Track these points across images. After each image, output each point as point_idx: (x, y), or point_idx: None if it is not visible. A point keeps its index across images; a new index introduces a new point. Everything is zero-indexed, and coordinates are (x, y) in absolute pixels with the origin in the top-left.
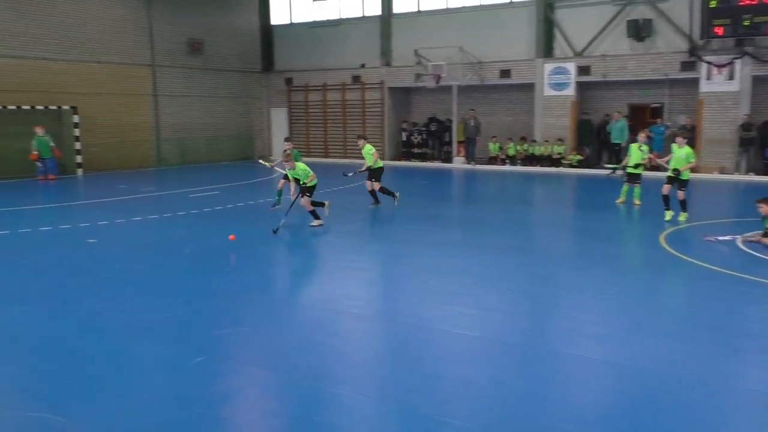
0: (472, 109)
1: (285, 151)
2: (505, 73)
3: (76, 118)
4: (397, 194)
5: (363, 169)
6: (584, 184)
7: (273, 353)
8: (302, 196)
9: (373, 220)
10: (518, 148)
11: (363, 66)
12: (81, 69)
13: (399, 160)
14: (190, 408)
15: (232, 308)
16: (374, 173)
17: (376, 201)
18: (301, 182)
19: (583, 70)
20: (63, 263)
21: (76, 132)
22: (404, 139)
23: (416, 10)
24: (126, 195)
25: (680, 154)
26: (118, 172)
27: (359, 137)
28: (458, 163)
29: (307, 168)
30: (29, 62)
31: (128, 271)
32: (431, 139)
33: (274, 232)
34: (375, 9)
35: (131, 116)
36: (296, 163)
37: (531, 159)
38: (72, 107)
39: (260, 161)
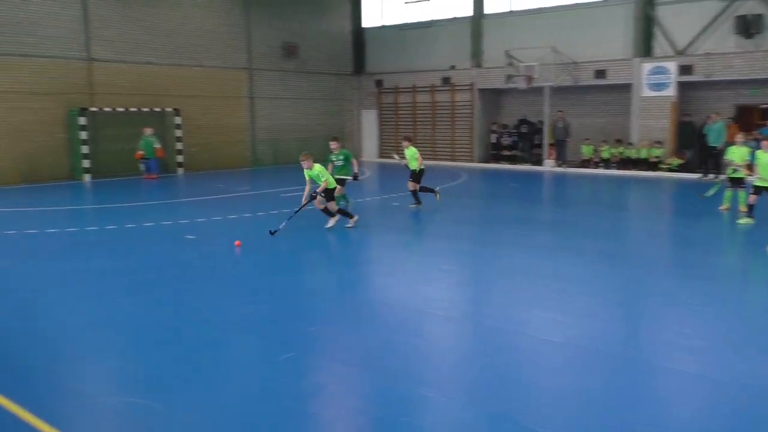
0: (560, 111)
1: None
2: (600, 74)
3: (177, 120)
4: (421, 204)
5: (404, 162)
6: (684, 189)
7: (359, 352)
8: (326, 201)
9: (462, 222)
10: (613, 151)
11: (453, 67)
12: (183, 73)
13: (488, 162)
14: (280, 401)
15: (320, 306)
16: (415, 175)
17: (417, 201)
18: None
19: (685, 69)
20: (164, 258)
21: (178, 133)
22: (493, 141)
23: (508, 10)
24: (222, 194)
25: (766, 159)
26: (215, 172)
27: (405, 138)
28: (549, 165)
29: (323, 171)
30: (137, 67)
31: (224, 267)
32: (521, 141)
33: (272, 233)
34: (466, 10)
35: (228, 118)
36: (314, 164)
37: (626, 162)
38: (174, 109)
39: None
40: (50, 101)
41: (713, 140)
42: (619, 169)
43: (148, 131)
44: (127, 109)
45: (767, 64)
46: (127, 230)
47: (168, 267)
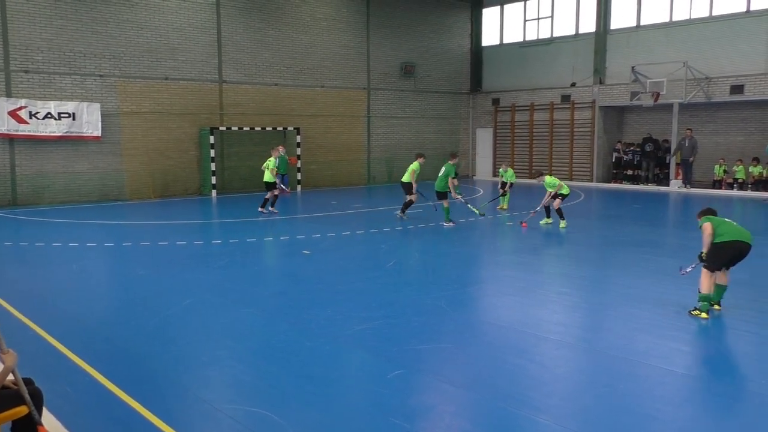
0: (689, 129)
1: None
2: (736, 89)
3: (298, 139)
4: (405, 216)
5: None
6: None
7: (469, 372)
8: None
9: (580, 243)
10: (752, 170)
11: (573, 85)
12: (306, 93)
13: (608, 182)
14: (388, 418)
15: (431, 324)
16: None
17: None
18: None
19: None
20: (282, 272)
21: (298, 152)
22: (613, 160)
23: (635, 24)
24: (337, 210)
25: None
26: (331, 189)
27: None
28: (675, 186)
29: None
30: (264, 88)
31: (338, 283)
32: (645, 160)
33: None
34: (589, 26)
35: (346, 137)
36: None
37: (765, 183)
38: (295, 128)
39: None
40: (184, 121)
41: None
42: (755, 190)
43: (282, 149)
44: (252, 128)
45: None
46: (249, 244)
47: (286, 281)
